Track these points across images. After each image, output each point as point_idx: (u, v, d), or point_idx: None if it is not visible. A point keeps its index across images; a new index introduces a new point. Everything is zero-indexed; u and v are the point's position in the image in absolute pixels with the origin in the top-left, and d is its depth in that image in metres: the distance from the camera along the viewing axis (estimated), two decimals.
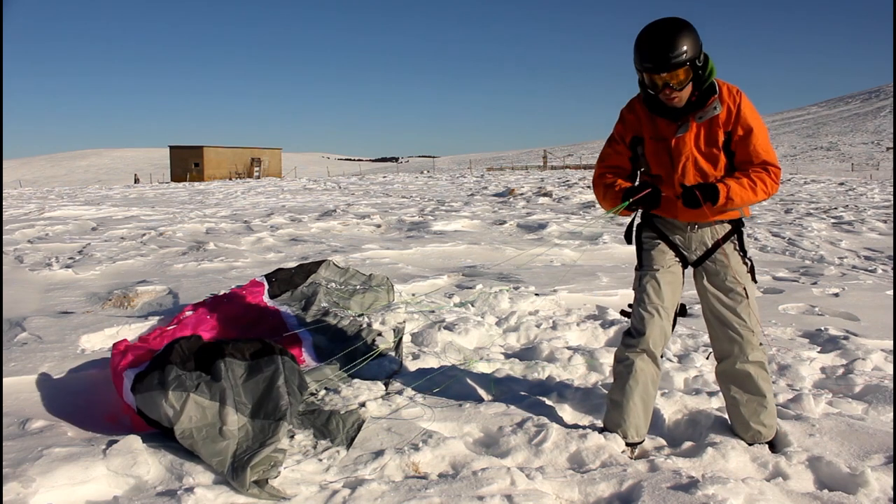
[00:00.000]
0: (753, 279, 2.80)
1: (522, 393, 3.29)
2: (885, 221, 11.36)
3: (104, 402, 3.18)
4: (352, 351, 3.83)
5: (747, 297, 2.74)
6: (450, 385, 3.34)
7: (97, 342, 4.13)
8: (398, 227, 10.82)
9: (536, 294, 5.37)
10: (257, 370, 2.80)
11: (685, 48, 2.50)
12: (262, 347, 2.92)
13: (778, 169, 2.68)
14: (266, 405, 2.69)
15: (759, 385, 2.77)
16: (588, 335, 4.41)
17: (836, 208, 13.88)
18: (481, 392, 3.34)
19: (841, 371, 3.73)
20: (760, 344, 2.77)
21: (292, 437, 2.76)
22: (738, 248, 2.79)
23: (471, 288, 5.66)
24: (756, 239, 9.39)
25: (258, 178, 55.65)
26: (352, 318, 4.33)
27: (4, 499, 2.20)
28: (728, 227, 2.80)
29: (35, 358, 3.66)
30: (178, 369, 2.77)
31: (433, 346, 4.04)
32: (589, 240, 9.05)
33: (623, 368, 2.80)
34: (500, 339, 4.35)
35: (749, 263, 2.80)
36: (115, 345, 3.35)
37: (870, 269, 7.10)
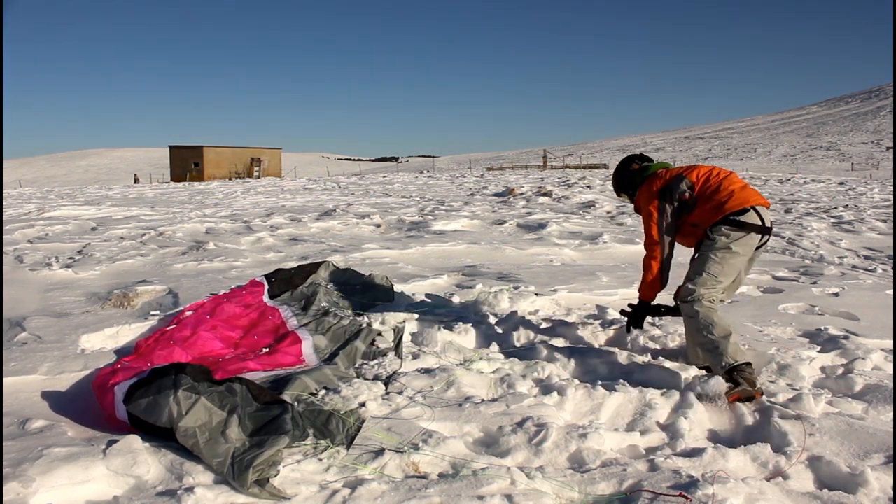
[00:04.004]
0: (708, 245, 3.54)
1: (522, 393, 3.29)
2: (884, 221, 11.36)
3: None
4: (352, 351, 3.83)
5: (694, 257, 3.66)
6: (450, 385, 3.34)
7: (97, 342, 4.14)
8: (398, 227, 10.82)
9: (536, 294, 5.37)
10: (265, 410, 2.80)
11: (615, 188, 4.16)
12: (273, 399, 2.91)
13: (650, 242, 3.69)
14: (269, 429, 2.67)
15: (687, 328, 3.60)
16: (588, 335, 4.40)
17: (835, 208, 13.88)
18: (481, 392, 3.34)
19: (841, 371, 3.73)
20: (693, 299, 3.46)
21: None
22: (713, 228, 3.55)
23: (471, 288, 5.66)
24: None
25: (258, 177, 55.65)
26: (352, 318, 4.33)
27: (4, 499, 2.20)
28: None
29: (35, 358, 3.67)
30: (190, 379, 2.80)
31: (433, 346, 4.04)
32: (590, 239, 9.05)
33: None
34: (501, 339, 4.34)
35: (710, 238, 3.53)
36: (101, 369, 3.36)
37: (870, 268, 7.10)
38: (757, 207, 3.50)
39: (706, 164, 3.80)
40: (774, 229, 10.31)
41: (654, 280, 3.72)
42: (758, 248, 3.58)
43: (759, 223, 3.49)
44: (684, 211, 3.63)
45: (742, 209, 3.48)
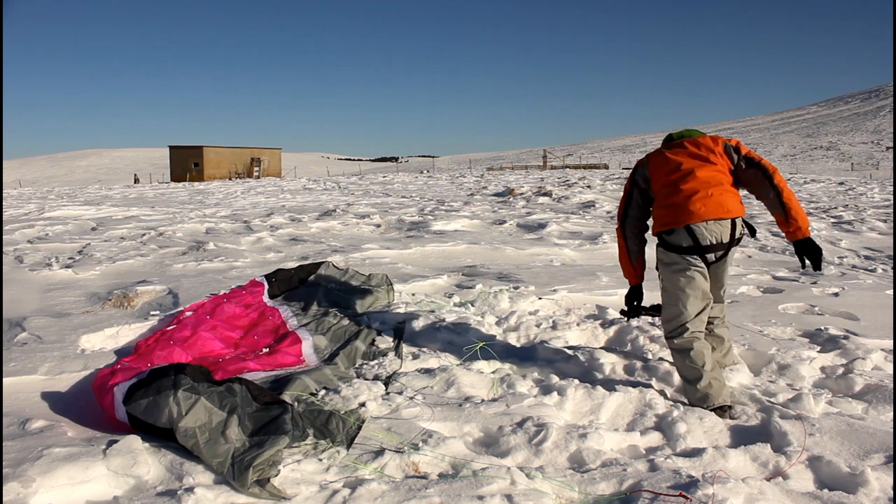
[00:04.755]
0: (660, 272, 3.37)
1: (522, 393, 3.29)
2: (884, 221, 11.37)
3: None
4: (352, 351, 3.83)
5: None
6: (450, 385, 3.34)
7: (97, 342, 4.14)
8: (398, 227, 10.82)
9: (536, 294, 5.37)
10: (265, 410, 2.79)
11: None
12: (273, 399, 2.90)
13: (617, 226, 3.54)
14: (269, 429, 2.67)
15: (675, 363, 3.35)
16: (588, 335, 4.41)
17: (835, 208, 13.88)
18: (481, 392, 3.34)
19: (841, 371, 3.73)
20: (669, 337, 3.29)
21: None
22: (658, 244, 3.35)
23: (471, 288, 5.66)
24: (756, 238, 9.38)
25: (258, 178, 55.65)
26: (352, 318, 4.33)
27: (4, 499, 2.20)
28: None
29: (35, 358, 3.67)
30: (190, 379, 2.80)
31: (433, 346, 4.04)
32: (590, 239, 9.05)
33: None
34: (500, 339, 4.34)
35: (657, 266, 3.38)
36: (100, 369, 3.35)
37: (870, 268, 7.10)
38: (692, 226, 3.09)
39: (689, 151, 3.27)
40: (774, 229, 10.32)
41: (624, 266, 3.56)
42: (716, 262, 3.25)
43: (690, 244, 3.13)
44: (649, 201, 3.40)
45: (670, 229, 3.18)
